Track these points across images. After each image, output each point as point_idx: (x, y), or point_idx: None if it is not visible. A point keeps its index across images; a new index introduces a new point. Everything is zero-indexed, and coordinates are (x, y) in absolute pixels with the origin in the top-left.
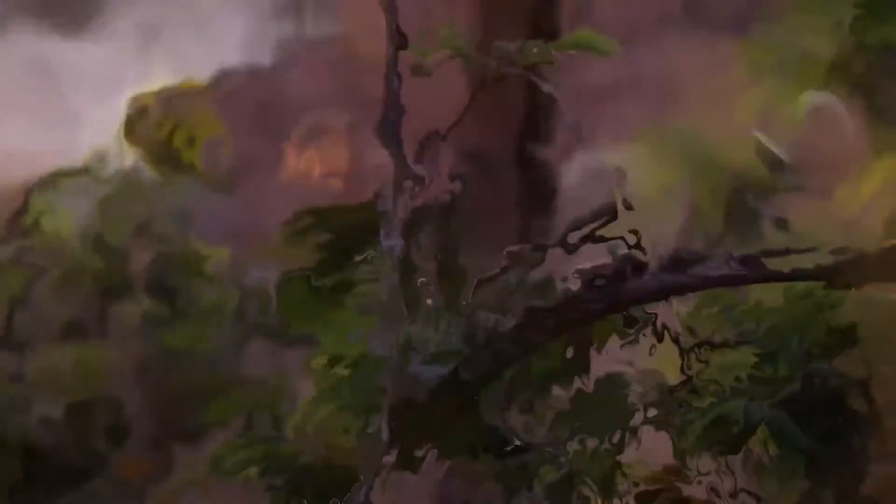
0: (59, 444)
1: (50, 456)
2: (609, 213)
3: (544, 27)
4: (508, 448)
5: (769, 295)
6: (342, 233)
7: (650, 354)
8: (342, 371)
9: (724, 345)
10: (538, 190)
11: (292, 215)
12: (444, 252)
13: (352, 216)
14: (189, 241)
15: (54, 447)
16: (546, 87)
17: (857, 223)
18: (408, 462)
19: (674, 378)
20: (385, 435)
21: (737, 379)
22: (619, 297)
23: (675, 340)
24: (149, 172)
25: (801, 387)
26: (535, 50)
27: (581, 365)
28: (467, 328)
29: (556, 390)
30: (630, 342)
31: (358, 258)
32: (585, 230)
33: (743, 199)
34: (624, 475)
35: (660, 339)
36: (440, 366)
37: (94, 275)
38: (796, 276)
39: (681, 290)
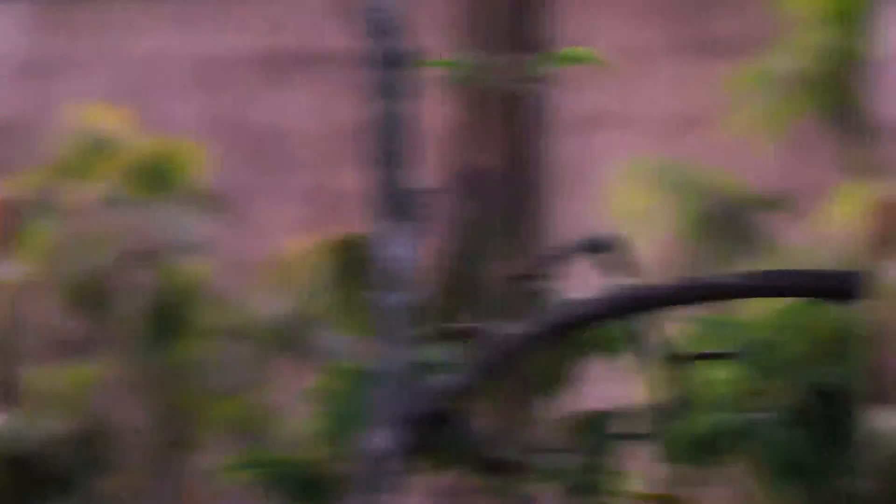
0: (52, 457)
1: (43, 468)
2: (604, 248)
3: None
4: (499, 461)
5: (759, 309)
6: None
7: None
8: (338, 384)
9: (711, 357)
10: (531, 209)
11: (314, 246)
12: (453, 265)
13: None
14: (189, 260)
15: (48, 460)
16: (538, 91)
17: (839, 244)
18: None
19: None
20: (389, 448)
21: (725, 393)
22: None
23: (667, 355)
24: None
25: (793, 398)
26: (534, 62)
27: (574, 373)
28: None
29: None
30: (613, 356)
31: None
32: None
33: (729, 221)
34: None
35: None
36: (451, 376)
37: (90, 293)
38: (814, 289)
39: (688, 299)
